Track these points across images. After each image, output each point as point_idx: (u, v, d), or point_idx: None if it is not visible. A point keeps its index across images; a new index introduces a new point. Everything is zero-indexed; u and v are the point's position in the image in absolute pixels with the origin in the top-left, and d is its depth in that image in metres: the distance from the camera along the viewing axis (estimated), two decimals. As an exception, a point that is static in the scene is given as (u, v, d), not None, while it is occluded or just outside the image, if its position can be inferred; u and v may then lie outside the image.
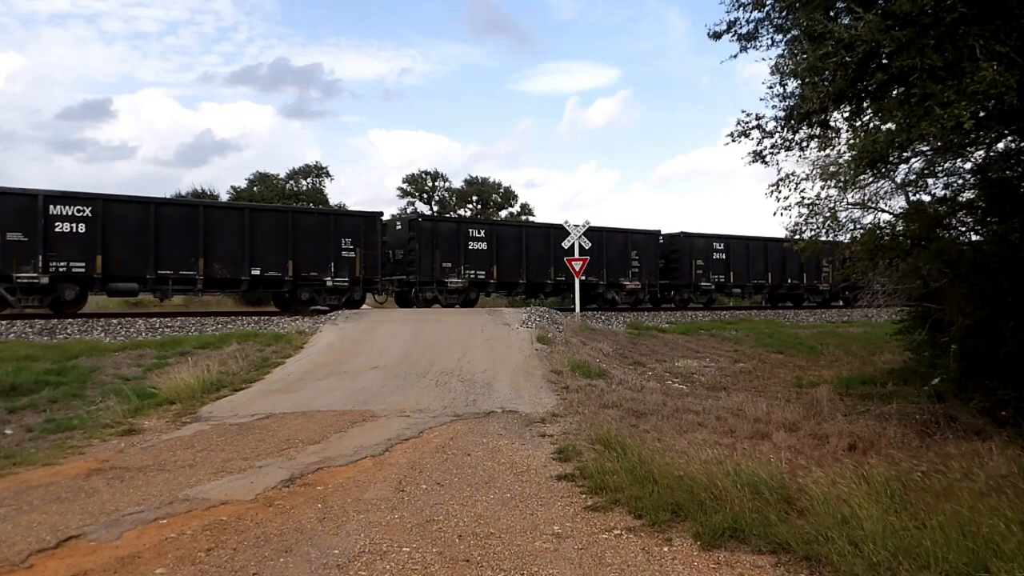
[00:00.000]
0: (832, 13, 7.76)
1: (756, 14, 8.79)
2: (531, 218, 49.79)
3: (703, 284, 26.78)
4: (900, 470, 5.31)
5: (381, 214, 21.45)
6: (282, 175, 49.15)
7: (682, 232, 26.81)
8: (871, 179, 9.70)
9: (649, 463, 5.65)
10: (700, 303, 27.06)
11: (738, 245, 27.72)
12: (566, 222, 21.20)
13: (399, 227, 22.56)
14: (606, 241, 24.65)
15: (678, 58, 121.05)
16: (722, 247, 27.33)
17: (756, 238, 28.35)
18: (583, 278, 23.05)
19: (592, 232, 25.29)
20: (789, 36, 8.66)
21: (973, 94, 6.11)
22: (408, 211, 48.88)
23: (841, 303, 30.76)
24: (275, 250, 19.12)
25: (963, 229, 9.56)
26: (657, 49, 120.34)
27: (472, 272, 22.31)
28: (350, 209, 19.85)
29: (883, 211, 10.59)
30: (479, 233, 22.71)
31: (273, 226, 19.27)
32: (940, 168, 9.48)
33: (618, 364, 14.06)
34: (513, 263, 23.22)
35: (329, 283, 19.82)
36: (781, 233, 12.27)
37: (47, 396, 9.89)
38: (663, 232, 27.03)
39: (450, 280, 21.85)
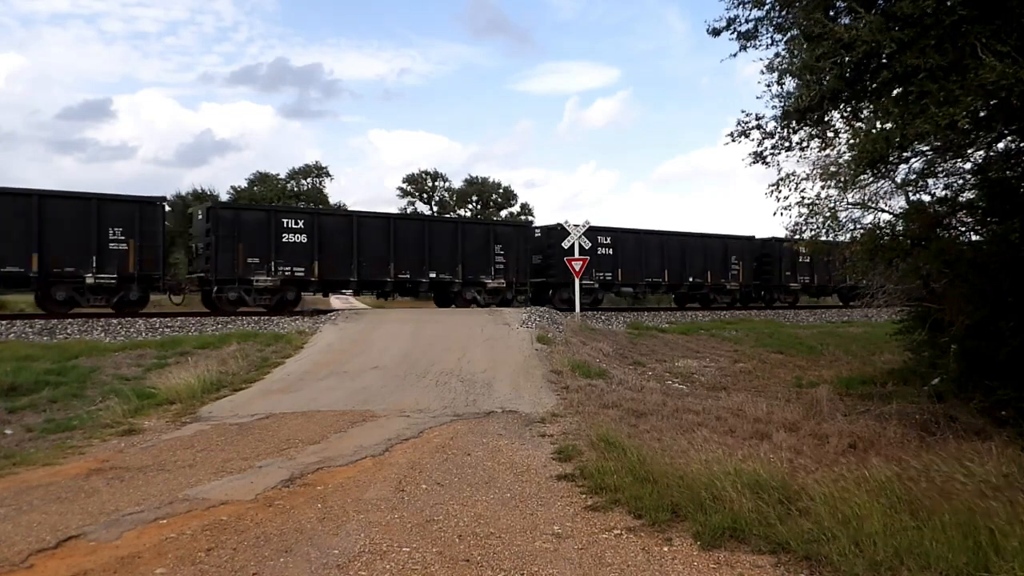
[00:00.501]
0: (832, 13, 7.76)
1: (756, 12, 8.80)
2: (530, 217, 49.88)
3: (585, 282, 24.29)
4: (900, 470, 5.30)
5: (163, 199, 18.75)
6: (282, 175, 49.30)
7: (559, 225, 23.76)
8: (871, 179, 9.68)
9: (649, 463, 5.64)
10: (585, 303, 24.54)
11: (628, 239, 25.52)
12: (565, 221, 21.05)
13: (200, 216, 19.76)
14: (463, 233, 22.30)
15: (678, 58, 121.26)
16: (608, 241, 24.96)
17: (650, 231, 26.41)
18: (433, 276, 21.80)
19: (446, 224, 23.85)
20: (788, 36, 8.66)
21: (980, 87, 6.11)
22: (408, 210, 48.93)
23: (762, 304, 28.64)
24: (14, 241, 16.20)
25: (963, 229, 9.55)
26: (657, 49, 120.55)
27: (287, 269, 19.52)
28: (121, 194, 18.07)
29: (883, 211, 10.57)
30: (296, 224, 19.74)
31: (10, 213, 16.22)
32: (940, 168, 9.46)
33: (618, 364, 14.07)
34: (342, 258, 20.34)
35: (90, 280, 17.02)
36: (780, 232, 12.21)
37: (47, 396, 9.90)
38: (538, 225, 24.94)
39: (257, 278, 19.04)
